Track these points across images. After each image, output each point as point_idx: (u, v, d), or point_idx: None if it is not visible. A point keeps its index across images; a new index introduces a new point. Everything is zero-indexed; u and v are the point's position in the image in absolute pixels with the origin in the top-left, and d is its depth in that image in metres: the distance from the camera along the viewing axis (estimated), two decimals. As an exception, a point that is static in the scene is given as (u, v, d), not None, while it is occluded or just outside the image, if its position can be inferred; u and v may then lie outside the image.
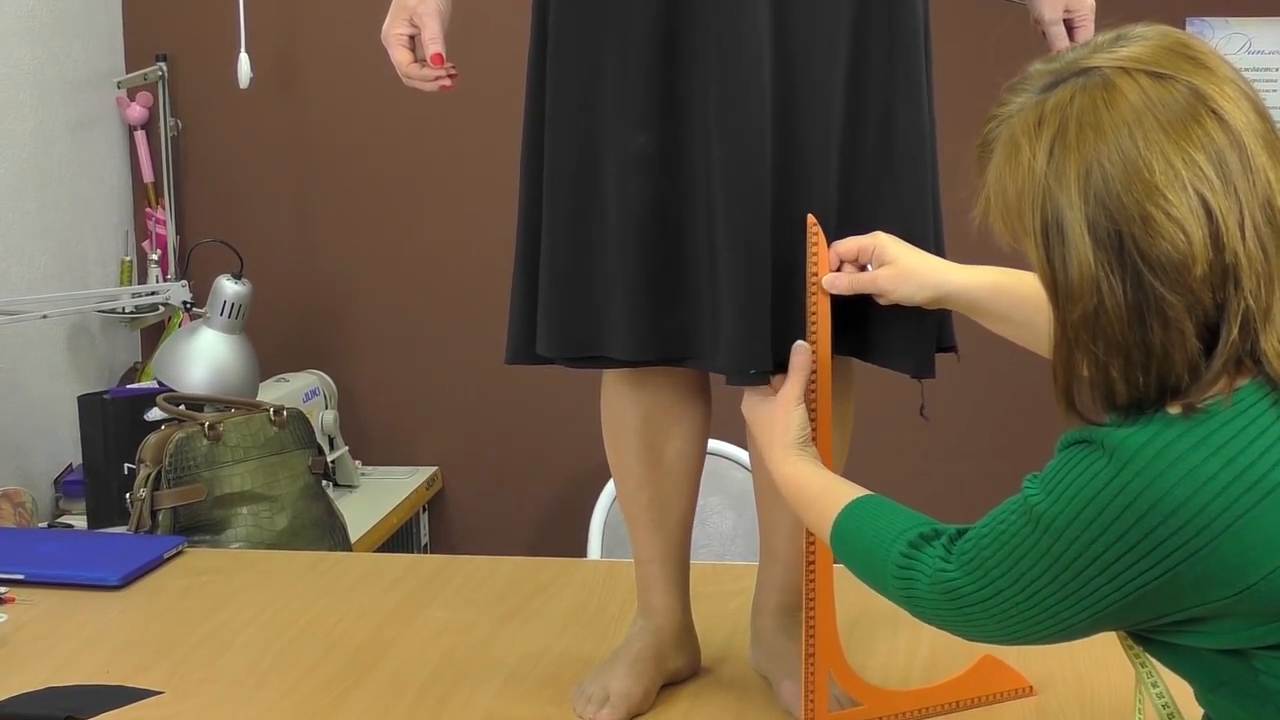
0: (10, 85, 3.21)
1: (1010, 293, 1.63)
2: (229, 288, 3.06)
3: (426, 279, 3.58)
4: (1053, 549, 1.27)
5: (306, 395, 3.34)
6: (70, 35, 3.41)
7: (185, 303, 3.31)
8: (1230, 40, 3.32)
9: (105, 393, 3.06)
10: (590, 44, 1.74)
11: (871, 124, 1.74)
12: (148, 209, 3.58)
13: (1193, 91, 1.25)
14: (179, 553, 2.42)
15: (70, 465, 3.26)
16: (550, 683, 1.91)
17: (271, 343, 3.39)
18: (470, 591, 2.25)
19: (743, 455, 2.73)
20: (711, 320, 1.72)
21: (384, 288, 3.60)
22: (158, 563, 2.37)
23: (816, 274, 1.68)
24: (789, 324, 1.69)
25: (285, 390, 3.27)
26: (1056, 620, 1.30)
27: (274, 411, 2.68)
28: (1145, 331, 1.24)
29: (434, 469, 3.59)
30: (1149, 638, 1.33)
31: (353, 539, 2.85)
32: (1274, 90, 3.31)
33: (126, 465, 2.79)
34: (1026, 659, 1.83)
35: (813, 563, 1.71)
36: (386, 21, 1.82)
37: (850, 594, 1.71)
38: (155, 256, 3.53)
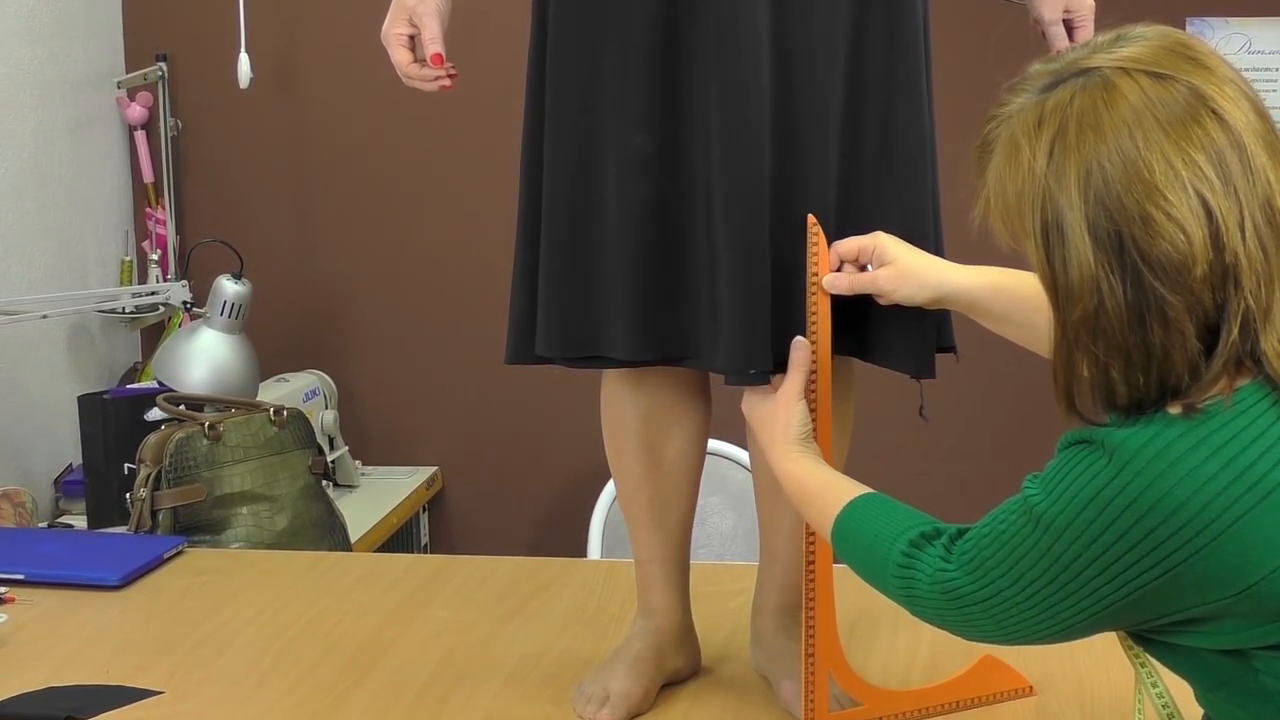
0: (10, 85, 3.21)
1: (1010, 293, 1.62)
2: (229, 288, 3.06)
3: (426, 279, 3.58)
4: (1053, 549, 1.27)
5: (306, 395, 3.34)
6: (70, 35, 3.41)
7: (185, 303, 3.31)
8: (1230, 40, 3.31)
9: (105, 393, 3.06)
10: (590, 44, 1.74)
11: (871, 124, 1.74)
12: (148, 209, 3.58)
13: (1193, 92, 1.25)
14: (179, 553, 2.42)
15: (70, 465, 3.26)
16: (550, 683, 1.91)
17: (271, 343, 3.39)
18: (470, 591, 2.25)
19: (743, 455, 2.73)
20: (711, 320, 1.72)
21: (384, 288, 3.60)
22: (158, 563, 2.37)
23: (816, 274, 1.68)
24: (789, 324, 1.68)
25: (285, 390, 3.27)
26: (1056, 620, 1.30)
27: (274, 411, 2.68)
28: (1145, 332, 1.24)
29: (434, 469, 3.59)
30: (1149, 638, 1.33)
31: (353, 539, 2.85)
32: (1274, 90, 3.31)
33: (126, 465, 2.79)
34: (1026, 659, 1.83)
35: (813, 563, 1.71)
36: (386, 21, 1.82)
37: (850, 594, 1.71)
38: (155, 256, 3.53)
